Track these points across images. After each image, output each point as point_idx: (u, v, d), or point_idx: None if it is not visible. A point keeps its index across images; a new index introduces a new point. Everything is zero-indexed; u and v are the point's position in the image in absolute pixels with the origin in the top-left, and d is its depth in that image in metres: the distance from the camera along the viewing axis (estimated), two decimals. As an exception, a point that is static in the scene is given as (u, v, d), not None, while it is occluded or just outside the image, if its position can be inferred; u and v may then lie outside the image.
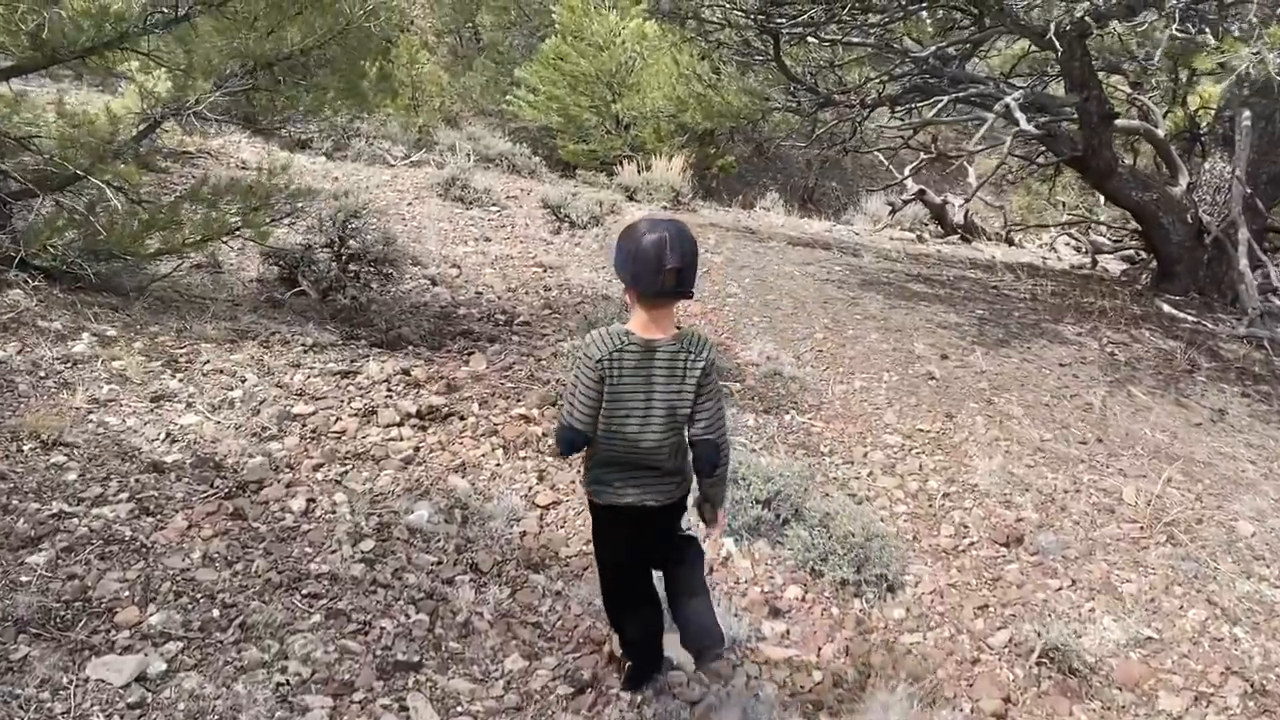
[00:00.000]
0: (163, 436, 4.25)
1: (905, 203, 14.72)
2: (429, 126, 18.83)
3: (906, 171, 14.22)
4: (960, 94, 8.70)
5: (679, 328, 2.83)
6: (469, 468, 4.62)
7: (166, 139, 10.11)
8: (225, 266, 6.65)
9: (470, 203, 10.18)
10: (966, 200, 14.20)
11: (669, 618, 3.26)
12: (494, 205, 10.25)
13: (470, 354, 6.01)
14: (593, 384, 2.78)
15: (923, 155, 12.95)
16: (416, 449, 4.67)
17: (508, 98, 15.98)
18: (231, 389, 4.82)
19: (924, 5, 7.43)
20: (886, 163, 13.46)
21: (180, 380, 4.79)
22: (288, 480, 4.12)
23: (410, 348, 5.96)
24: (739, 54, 9.75)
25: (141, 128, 5.51)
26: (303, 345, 5.54)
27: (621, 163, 15.34)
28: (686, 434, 2.90)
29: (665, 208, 12.21)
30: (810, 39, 9.27)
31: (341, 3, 7.10)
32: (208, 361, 5.06)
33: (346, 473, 4.33)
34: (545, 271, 7.95)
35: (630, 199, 12.63)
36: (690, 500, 3.18)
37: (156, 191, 8.04)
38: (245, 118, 13.16)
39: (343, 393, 5.04)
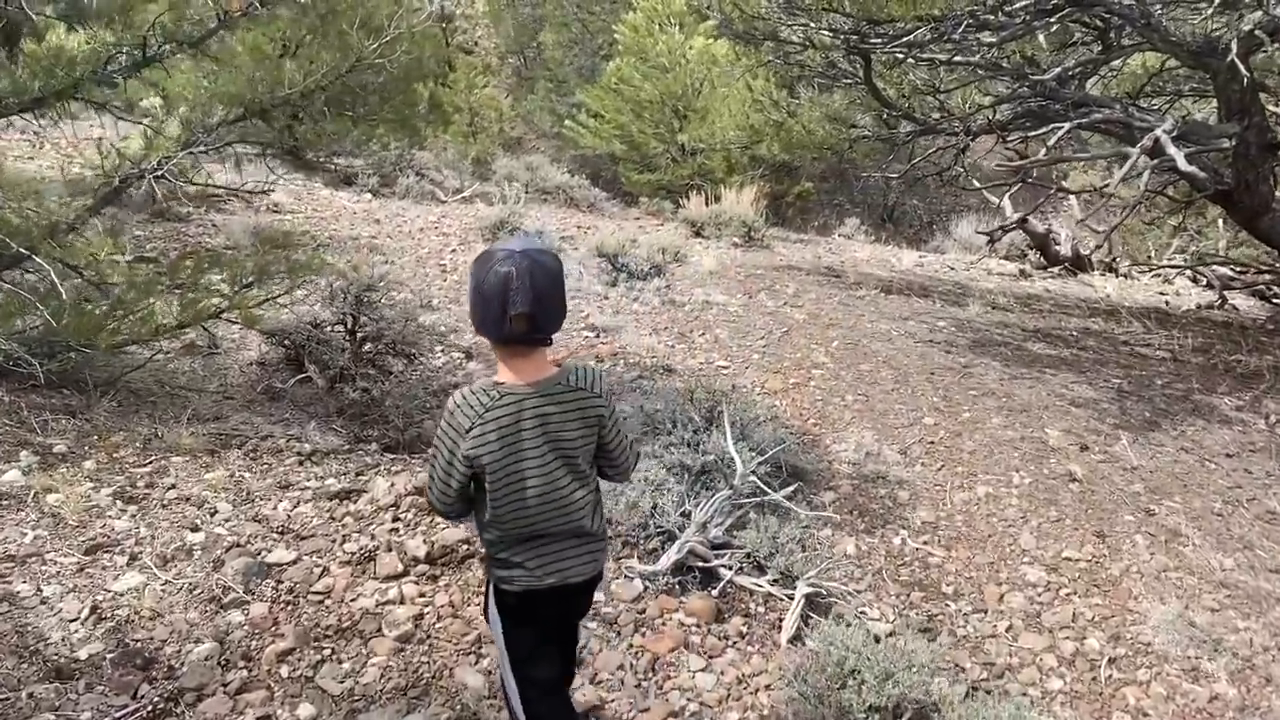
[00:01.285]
0: (84, 614, 3.22)
1: (1005, 231, 13.33)
2: (487, 154, 17.98)
3: (1005, 197, 12.85)
4: (1083, 120, 7.42)
5: (558, 365, 2.38)
6: (488, 645, 3.52)
7: (194, 177, 9.27)
8: (223, 344, 5.67)
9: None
10: (1084, 220, 12.79)
11: None
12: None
13: (504, 457, 4.94)
14: (451, 460, 2.29)
15: (1027, 181, 11.58)
16: (419, 616, 3.58)
17: (566, 123, 14.97)
18: (195, 528, 3.79)
19: (1052, 19, 6.20)
20: (990, 196, 12.11)
21: (131, 517, 3.79)
22: (239, 683, 3.06)
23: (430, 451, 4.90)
24: (823, 77, 8.58)
25: (105, 190, 4.51)
26: (298, 454, 4.52)
27: (688, 194, 14.25)
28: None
29: (736, 244, 11.07)
30: (908, 59, 8.06)
31: (356, 35, 6.03)
32: (173, 485, 4.05)
33: (322, 663, 3.26)
34: (598, 336, 6.85)
35: (697, 234, 11.51)
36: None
37: (165, 247, 7.15)
38: (289, 151, 12.37)
39: (336, 527, 3.98)
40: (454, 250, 8.82)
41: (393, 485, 4.37)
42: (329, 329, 5.30)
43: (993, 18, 6.11)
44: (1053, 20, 6.26)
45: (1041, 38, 8.14)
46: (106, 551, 3.55)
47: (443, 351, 6.18)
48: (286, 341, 5.26)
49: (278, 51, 5.98)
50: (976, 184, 11.00)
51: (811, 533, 4.64)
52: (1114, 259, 14.68)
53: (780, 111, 8.88)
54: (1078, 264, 13.40)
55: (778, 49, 8.14)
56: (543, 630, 2.58)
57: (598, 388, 2.39)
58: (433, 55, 12.66)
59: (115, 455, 4.23)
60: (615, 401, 2.52)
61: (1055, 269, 13.26)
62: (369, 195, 11.42)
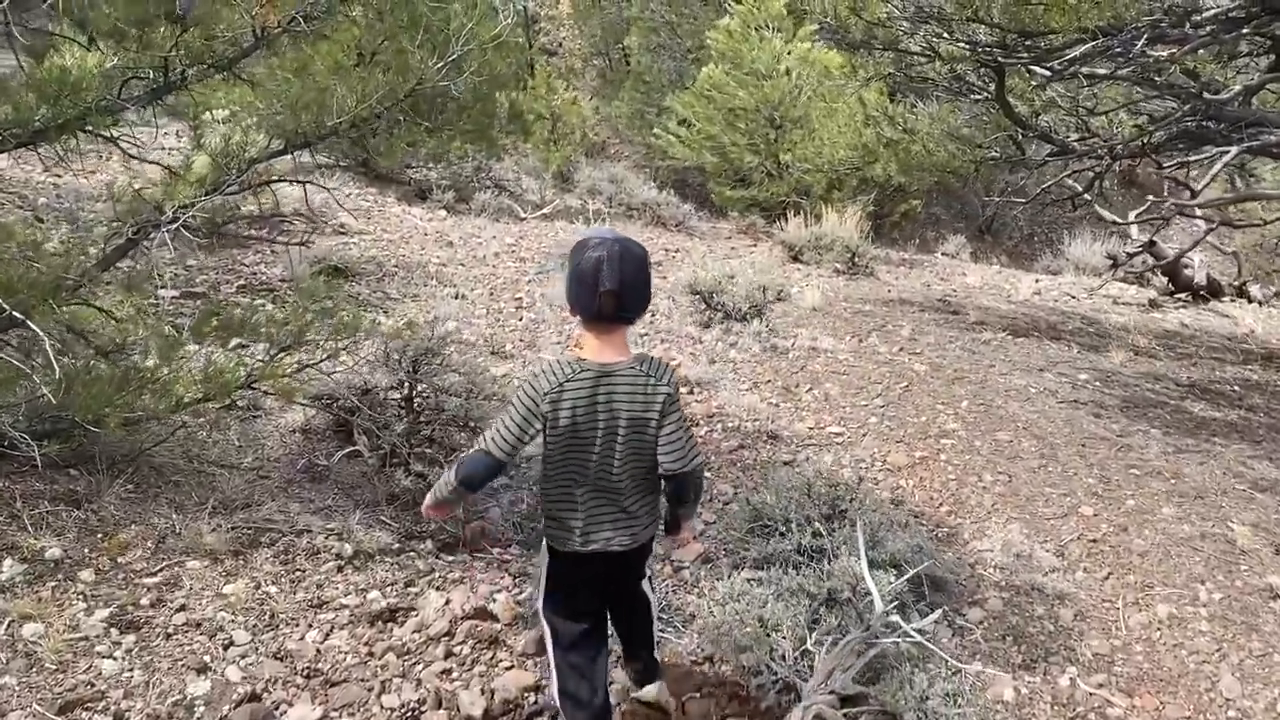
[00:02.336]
0: (42, 814, 2.50)
1: (1130, 256, 12.14)
2: (569, 162, 17.26)
3: (1132, 216, 11.65)
4: (1254, 144, 6.35)
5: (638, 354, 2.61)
6: None
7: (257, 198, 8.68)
8: (264, 405, 4.96)
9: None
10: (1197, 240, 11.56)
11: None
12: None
13: (582, 559, 4.13)
14: (528, 415, 2.54)
15: (1169, 203, 10.41)
16: (473, 813, 2.79)
17: (655, 131, 14.14)
18: (202, 668, 3.06)
19: (1244, 30, 5.18)
20: (1104, 213, 10.94)
21: (125, 654, 3.07)
22: None
23: (496, 552, 4.11)
24: (946, 92, 7.61)
25: (118, 242, 3.81)
26: (337, 557, 3.77)
27: (784, 212, 13.31)
28: (658, 467, 2.66)
29: (838, 271, 10.12)
30: (1060, 75, 7.06)
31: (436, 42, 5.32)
32: (183, 605, 3.33)
33: None
34: (691, 393, 6.00)
35: (795, 259, 10.59)
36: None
37: (217, 278, 6.51)
38: (361, 164, 11.77)
39: (375, 668, 3.21)
40: (531, 280, 8.06)
41: (448, 603, 3.60)
42: (384, 393, 4.54)
43: (1174, 30, 5.10)
44: (1245, 32, 5.23)
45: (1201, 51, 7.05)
46: (86, 709, 2.82)
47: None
48: (335, 407, 4.52)
49: (351, 61, 5.33)
50: (1108, 213, 9.89)
51: (959, 667, 3.73)
52: (1243, 282, 13.37)
53: (896, 129, 7.92)
54: (1211, 290, 12.16)
55: (898, 60, 7.19)
56: (586, 589, 2.82)
57: (665, 377, 2.60)
58: (513, 62, 11.95)
59: (120, 559, 3.53)
60: (679, 394, 2.66)
61: (1184, 296, 12.06)
62: (443, 212, 10.75)
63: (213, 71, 3.79)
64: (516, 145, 15.23)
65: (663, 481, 2.73)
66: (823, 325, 7.66)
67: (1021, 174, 8.45)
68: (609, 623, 3.00)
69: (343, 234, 8.69)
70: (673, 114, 13.98)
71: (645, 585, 3.02)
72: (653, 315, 7.53)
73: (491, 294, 7.39)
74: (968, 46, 6.43)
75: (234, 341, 4.22)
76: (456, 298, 7.18)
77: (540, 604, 2.86)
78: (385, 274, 7.50)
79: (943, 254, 16.24)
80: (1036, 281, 11.94)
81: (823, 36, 12.74)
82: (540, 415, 2.52)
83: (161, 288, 6.18)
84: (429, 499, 2.78)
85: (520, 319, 6.90)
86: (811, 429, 5.67)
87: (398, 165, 11.68)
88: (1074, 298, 11.01)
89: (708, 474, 5.08)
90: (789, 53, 12.82)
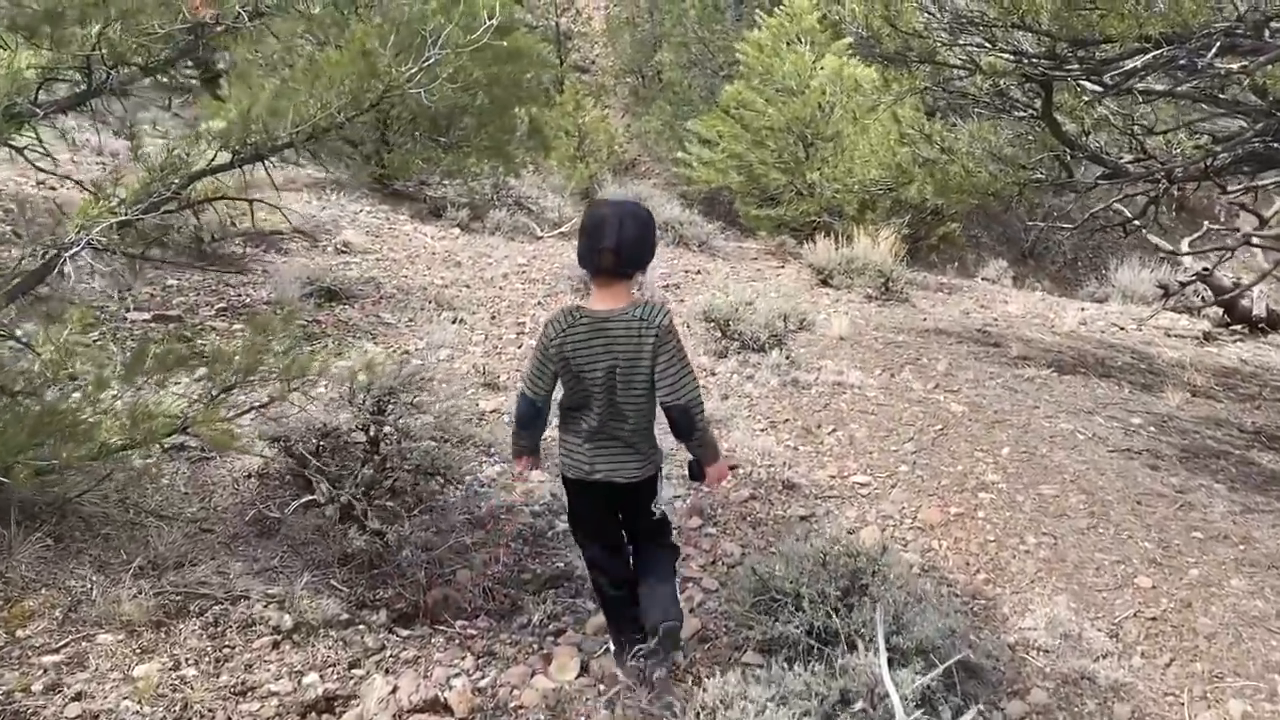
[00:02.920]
0: None
1: (1183, 285, 11.44)
2: (596, 179, 16.82)
3: (1186, 244, 10.96)
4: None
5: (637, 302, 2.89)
6: None
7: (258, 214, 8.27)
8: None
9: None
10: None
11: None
12: (647, 305, 7.87)
13: (560, 634, 3.59)
14: (543, 358, 2.94)
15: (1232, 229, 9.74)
16: None
17: (678, 154, 13.64)
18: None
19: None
20: (1153, 239, 10.26)
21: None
22: None
23: (459, 625, 3.58)
24: (987, 109, 7.04)
25: (32, 265, 3.33)
26: (275, 630, 3.27)
27: (813, 233, 12.75)
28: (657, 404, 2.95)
29: (870, 296, 9.55)
30: (1115, 89, 6.49)
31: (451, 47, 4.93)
32: (81, 692, 2.85)
33: None
34: (703, 433, 5.46)
35: (824, 283, 10.03)
36: (661, 483, 3.20)
37: (197, 300, 6.08)
38: (377, 180, 11.35)
39: (296, 779, 2.70)
40: (538, 303, 7.56)
41: (394, 691, 3.08)
42: (350, 432, 4.04)
43: (1248, 40, 4.52)
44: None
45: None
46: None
47: (497, 457, 4.87)
48: (292, 451, 4.03)
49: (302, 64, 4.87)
50: (1162, 242, 9.28)
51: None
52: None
53: (933, 147, 7.35)
54: (1270, 323, 11.44)
55: (935, 73, 6.64)
56: (595, 511, 3.19)
57: (655, 319, 2.84)
58: (534, 76, 11.51)
59: (19, 632, 3.06)
60: (673, 335, 2.88)
61: (1241, 328, 11.35)
62: (457, 230, 10.30)
63: (144, 75, 3.31)
64: (540, 163, 14.82)
65: (665, 416, 2.97)
66: (850, 357, 7.09)
67: (1068, 197, 7.84)
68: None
69: (345, 253, 8.25)
70: (696, 136, 13.47)
71: (659, 515, 3.25)
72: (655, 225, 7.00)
73: (493, 318, 6.90)
74: (1012, 58, 5.87)
75: (191, 375, 3.72)
76: (455, 322, 6.70)
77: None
78: (382, 297, 7.04)
79: (983, 279, 15.58)
80: (1082, 310, 11.28)
81: (858, 50, 12.22)
82: (551, 359, 2.92)
83: (131, 309, 5.75)
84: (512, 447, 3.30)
85: (520, 345, 6.40)
86: (833, 477, 5.10)
87: (413, 182, 11.27)
88: (1122, 329, 10.35)
89: (711, 530, 4.53)
90: (820, 67, 12.29)
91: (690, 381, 2.90)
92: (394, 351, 5.86)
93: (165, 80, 3.59)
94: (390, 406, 3.89)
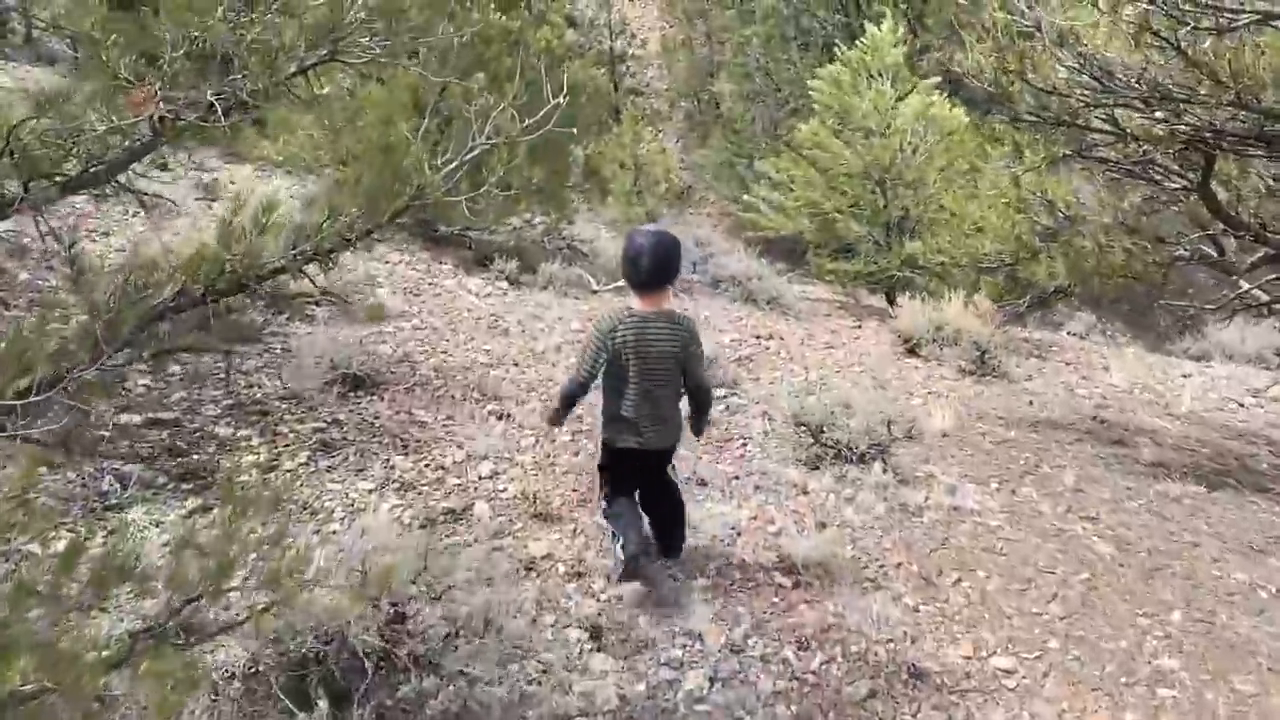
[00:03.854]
0: None
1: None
2: (652, 214, 15.89)
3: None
4: None
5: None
6: None
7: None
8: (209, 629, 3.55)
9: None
10: None
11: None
12: (717, 391, 6.88)
13: None
14: (599, 348, 3.84)
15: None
16: None
17: (744, 197, 12.65)
18: None
19: None
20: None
21: None
22: None
23: None
24: (1128, 175, 5.99)
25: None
26: None
27: (893, 291, 11.70)
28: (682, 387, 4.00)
29: (963, 369, 8.47)
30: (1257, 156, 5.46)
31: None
32: None
33: None
34: (794, 583, 4.44)
35: (911, 352, 8.97)
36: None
37: (200, 395, 5.19)
38: (418, 222, 10.48)
39: None
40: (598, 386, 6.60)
41: None
42: (358, 635, 3.09)
43: None
44: None
45: None
46: None
47: (555, 623, 3.89)
48: (289, 651, 3.08)
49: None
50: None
51: None
52: None
53: (1055, 217, 6.30)
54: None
55: (1072, 138, 5.60)
56: (633, 470, 4.20)
57: (687, 325, 3.92)
58: (592, 110, 10.60)
59: None
60: (697, 335, 4.00)
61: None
62: (504, 284, 9.39)
63: (73, 187, 2.39)
64: (592, 207, 13.93)
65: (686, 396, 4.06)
66: (960, 462, 6.05)
67: (1211, 276, 6.77)
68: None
69: (378, 319, 7.35)
70: (765, 178, 12.46)
71: (671, 473, 4.36)
72: (745, 444, 6.01)
73: (546, 415, 5.94)
74: (1182, 127, 4.82)
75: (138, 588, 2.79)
76: (500, 418, 5.75)
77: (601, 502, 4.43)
78: (416, 382, 6.11)
79: (1069, 333, 14.42)
80: (1187, 378, 10.12)
81: (975, 105, 11.19)
82: (606, 348, 3.82)
83: (123, 410, 4.87)
84: (547, 414, 4.30)
85: (577, 452, 5.42)
86: (969, 659, 4.06)
87: (457, 226, 10.38)
88: (1241, 405, 9.18)
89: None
90: (906, 105, 11.26)
91: (706, 370, 4.23)
92: (426, 468, 4.91)
93: (116, 184, 2.76)
94: (410, 614, 2.92)
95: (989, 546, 4.96)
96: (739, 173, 17.95)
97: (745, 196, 12.61)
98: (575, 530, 4.57)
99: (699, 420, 4.24)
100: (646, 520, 4.33)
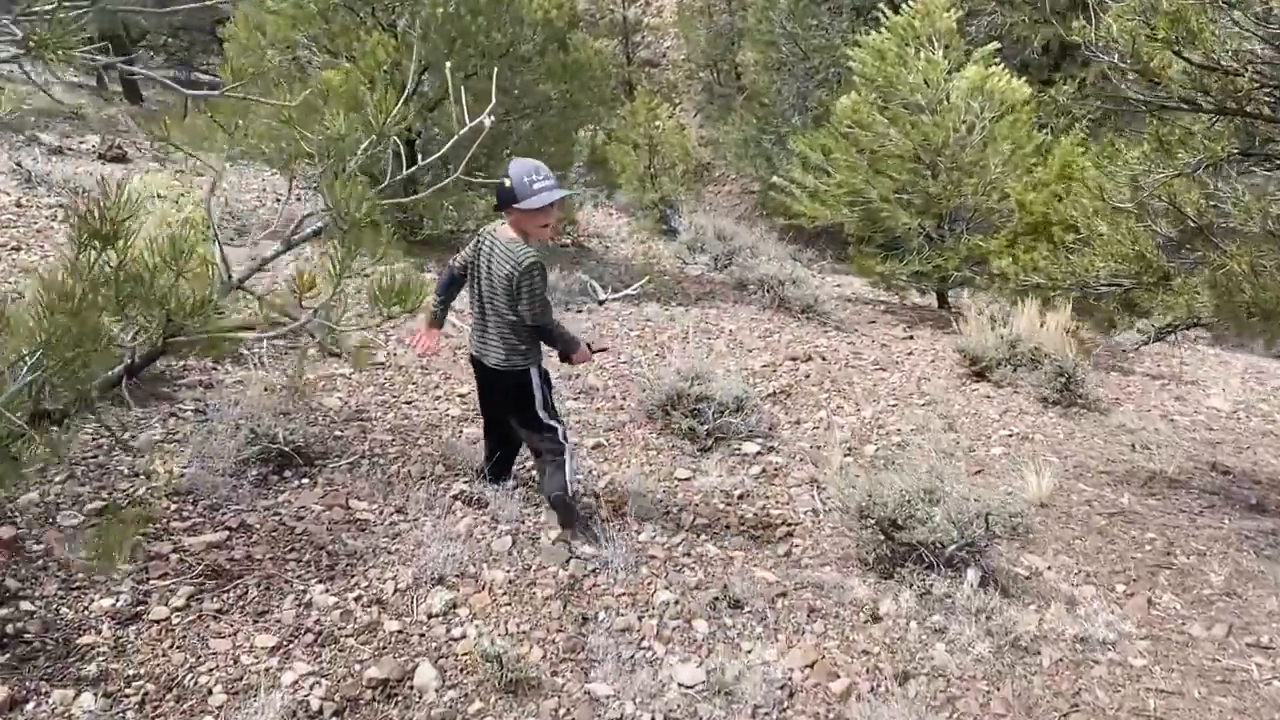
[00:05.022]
0: None
1: None
2: (668, 199, 14.43)
3: None
4: None
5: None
6: None
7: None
8: None
9: (693, 439, 5.46)
10: None
11: None
12: (745, 448, 5.48)
13: None
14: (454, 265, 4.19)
15: None
16: None
17: (775, 179, 11.14)
18: None
19: None
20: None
21: None
22: None
23: None
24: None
25: None
26: None
27: (946, 295, 10.24)
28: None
29: (1045, 400, 7.06)
30: None
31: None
32: None
33: None
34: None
35: (979, 375, 7.55)
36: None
37: (94, 477, 3.84)
38: (399, 224, 9.07)
39: None
40: (607, 458, 5.23)
41: None
42: None
43: None
44: None
45: None
46: None
47: None
48: None
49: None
50: None
51: None
52: None
53: (1180, 224, 4.83)
54: None
55: (1238, 131, 4.13)
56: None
57: (522, 257, 3.80)
58: (598, 92, 9.14)
59: None
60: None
61: None
62: (496, 296, 7.99)
63: None
64: (597, 187, 12.49)
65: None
66: (1072, 549, 4.66)
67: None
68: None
69: (334, 355, 5.98)
70: (798, 159, 10.94)
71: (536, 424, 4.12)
72: (789, 532, 4.61)
73: (527, 496, 4.55)
74: None
75: None
76: (469, 503, 4.38)
77: None
78: (365, 454, 4.73)
79: (1138, 330, 12.92)
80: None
81: (1100, 95, 9.75)
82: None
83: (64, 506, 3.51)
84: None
85: (566, 565, 4.03)
86: None
87: (447, 227, 9.00)
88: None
89: None
90: (961, 78, 9.73)
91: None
92: (356, 602, 3.53)
93: None
94: None
95: (1139, 708, 3.56)
96: (765, 149, 16.42)
97: (775, 178, 11.10)
98: (560, 711, 3.19)
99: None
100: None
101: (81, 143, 11.94)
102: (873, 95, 10.14)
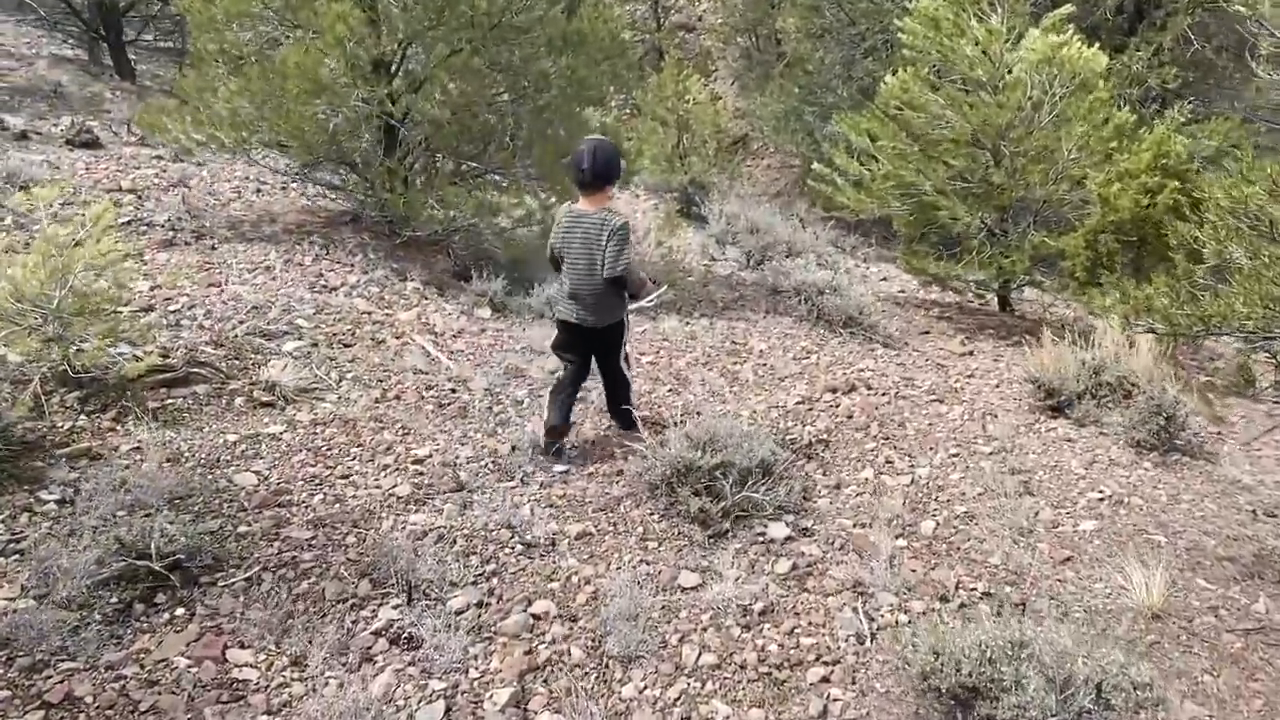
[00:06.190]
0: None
1: None
2: (698, 181, 13.20)
3: None
4: None
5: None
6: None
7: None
8: None
9: (705, 524, 4.32)
10: None
11: None
12: (770, 531, 4.33)
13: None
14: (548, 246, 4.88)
15: None
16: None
17: (815, 166, 9.86)
18: None
19: None
20: None
21: None
22: None
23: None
24: None
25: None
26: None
27: (1008, 296, 8.98)
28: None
29: (1142, 447, 5.81)
30: None
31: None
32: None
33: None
34: None
35: (1055, 411, 6.34)
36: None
37: None
38: (388, 221, 7.88)
39: None
40: (607, 547, 4.12)
41: None
42: None
43: None
44: None
45: None
46: None
47: None
48: None
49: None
50: None
51: None
52: None
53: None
54: None
55: None
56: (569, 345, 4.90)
57: (611, 222, 4.52)
58: (609, 63, 7.92)
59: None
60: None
61: None
62: (486, 310, 6.90)
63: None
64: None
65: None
66: (1199, 696, 3.48)
67: None
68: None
69: (267, 405, 4.90)
70: (841, 143, 9.65)
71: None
72: (826, 672, 3.46)
73: (497, 598, 3.44)
74: None
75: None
76: (398, 643, 3.28)
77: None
78: (272, 563, 3.64)
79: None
80: None
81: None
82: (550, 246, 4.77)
83: None
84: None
85: (540, 701, 2.93)
86: None
87: (433, 228, 7.85)
88: None
89: None
90: (1027, 48, 8.39)
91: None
92: None
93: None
94: None
95: None
96: (807, 124, 15.09)
97: (816, 166, 9.81)
98: None
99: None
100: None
101: (55, 125, 10.93)
102: (925, 70, 8.84)
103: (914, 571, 4.20)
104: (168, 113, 7.51)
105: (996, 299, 9.29)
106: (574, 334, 4.78)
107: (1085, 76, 8.36)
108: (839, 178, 9.38)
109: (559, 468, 4.70)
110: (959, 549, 4.44)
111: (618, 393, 5.03)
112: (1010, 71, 8.46)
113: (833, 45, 14.84)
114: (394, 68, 7.22)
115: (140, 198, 7.95)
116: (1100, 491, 5.22)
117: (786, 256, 9.51)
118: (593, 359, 4.96)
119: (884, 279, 11.32)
